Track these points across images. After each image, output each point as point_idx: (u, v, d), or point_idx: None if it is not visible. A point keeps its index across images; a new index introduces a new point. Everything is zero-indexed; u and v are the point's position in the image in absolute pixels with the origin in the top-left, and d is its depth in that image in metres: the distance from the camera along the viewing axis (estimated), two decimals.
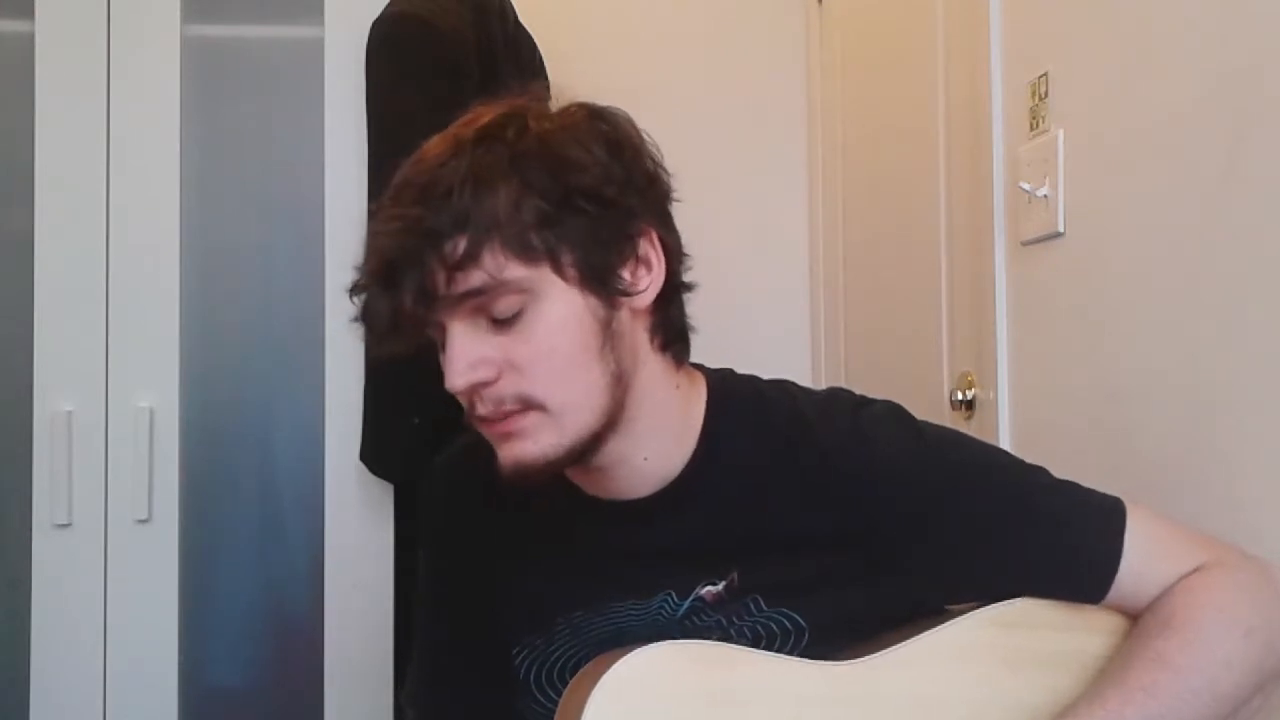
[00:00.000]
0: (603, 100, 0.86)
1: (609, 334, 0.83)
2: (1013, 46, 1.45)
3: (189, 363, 1.79)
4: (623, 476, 0.90)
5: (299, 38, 1.88)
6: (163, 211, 1.79)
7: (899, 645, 0.87)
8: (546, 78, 1.91)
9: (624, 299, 0.84)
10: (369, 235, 0.83)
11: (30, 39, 1.77)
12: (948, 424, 0.97)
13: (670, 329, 0.89)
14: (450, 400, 0.86)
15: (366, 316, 0.82)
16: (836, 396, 0.95)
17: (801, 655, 0.88)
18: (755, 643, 0.90)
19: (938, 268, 1.74)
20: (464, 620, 1.01)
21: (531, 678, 0.95)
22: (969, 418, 1.57)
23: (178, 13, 1.80)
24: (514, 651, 0.96)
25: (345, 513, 1.77)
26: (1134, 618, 0.89)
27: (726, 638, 0.90)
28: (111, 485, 1.76)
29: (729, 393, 0.93)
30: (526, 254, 0.79)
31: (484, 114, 0.84)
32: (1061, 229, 1.31)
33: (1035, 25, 1.40)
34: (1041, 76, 1.35)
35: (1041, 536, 0.89)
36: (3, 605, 1.77)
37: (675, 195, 0.88)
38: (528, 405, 0.81)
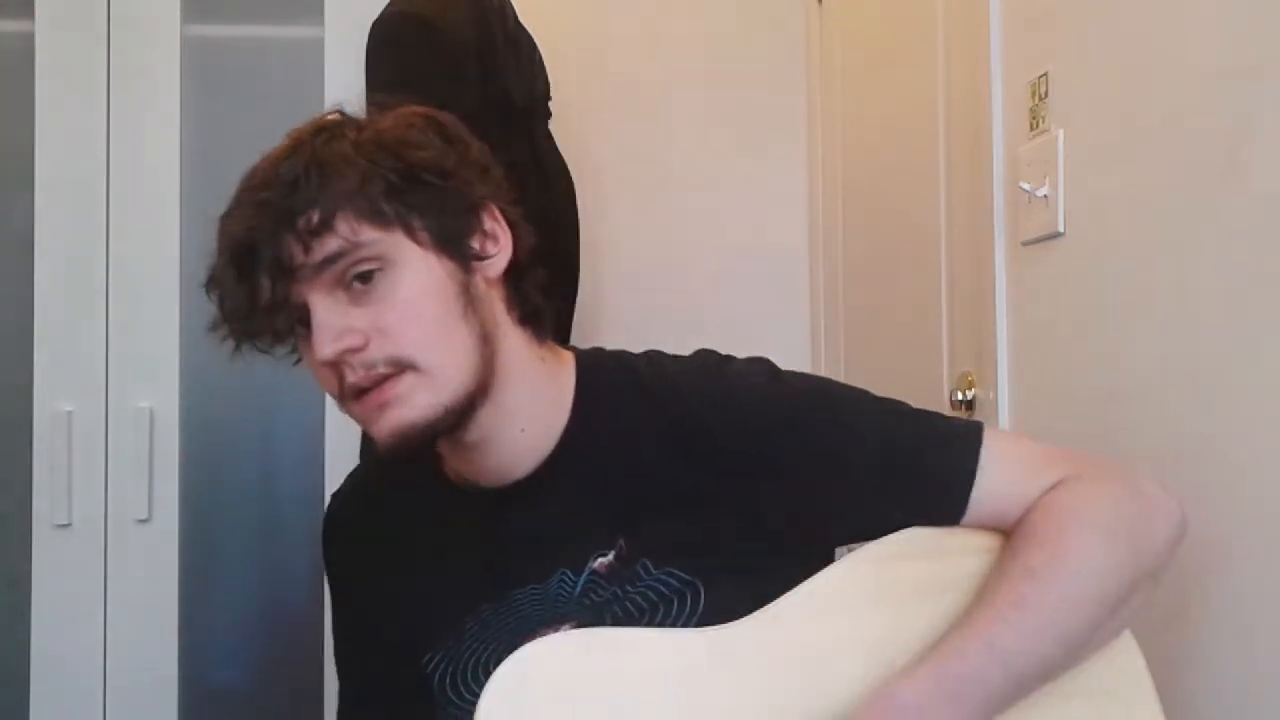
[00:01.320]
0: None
1: (469, 296, 0.86)
2: (1013, 46, 1.45)
3: (189, 363, 1.79)
4: (501, 449, 0.91)
5: (299, 38, 1.88)
6: (163, 211, 1.79)
7: (781, 599, 0.85)
8: (546, 78, 1.91)
9: (477, 264, 0.87)
10: (219, 234, 0.84)
11: (30, 39, 1.78)
12: None
13: (525, 304, 0.92)
14: None
15: (223, 308, 0.84)
16: (703, 356, 0.96)
17: (701, 615, 0.88)
18: (653, 610, 0.89)
19: (938, 268, 1.74)
20: (380, 648, 1.00)
21: (447, 682, 0.94)
22: (969, 418, 1.57)
23: (178, 12, 1.81)
24: (425, 660, 0.95)
25: None
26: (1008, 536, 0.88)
27: (624, 609, 0.89)
28: (111, 485, 1.76)
29: (597, 364, 0.95)
30: (379, 219, 0.82)
31: (315, 120, 0.88)
32: (1061, 229, 1.30)
33: (1035, 25, 1.40)
34: (1041, 76, 1.35)
35: (900, 461, 0.89)
36: (3, 605, 1.77)
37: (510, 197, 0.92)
38: (400, 367, 0.83)
